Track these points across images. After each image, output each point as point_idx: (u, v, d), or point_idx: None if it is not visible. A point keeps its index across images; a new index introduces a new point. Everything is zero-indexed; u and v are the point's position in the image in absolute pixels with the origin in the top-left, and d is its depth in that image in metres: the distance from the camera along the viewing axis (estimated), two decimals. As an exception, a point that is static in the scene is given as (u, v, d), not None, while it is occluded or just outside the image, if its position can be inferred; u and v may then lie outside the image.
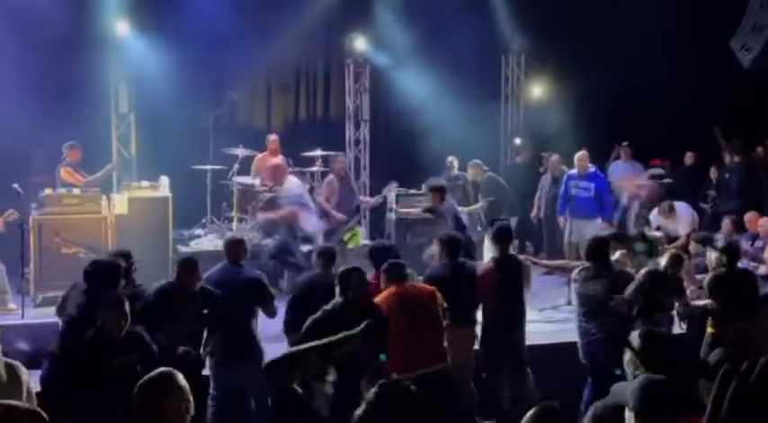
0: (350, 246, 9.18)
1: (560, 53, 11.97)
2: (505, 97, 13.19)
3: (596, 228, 9.16)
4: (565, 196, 9.90)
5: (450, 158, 10.70)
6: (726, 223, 9.19)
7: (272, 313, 5.97)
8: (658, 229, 9.20)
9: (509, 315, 6.28)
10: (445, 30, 11.30)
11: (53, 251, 8.22)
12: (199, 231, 10.31)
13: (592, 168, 9.90)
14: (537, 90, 13.07)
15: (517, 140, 12.26)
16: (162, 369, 3.12)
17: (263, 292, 5.95)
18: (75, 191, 8.79)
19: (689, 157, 11.74)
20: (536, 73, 13.06)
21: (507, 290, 6.27)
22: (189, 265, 5.60)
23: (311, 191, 10.49)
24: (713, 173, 11.22)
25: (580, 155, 9.88)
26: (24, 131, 9.11)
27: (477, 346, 6.25)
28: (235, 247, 6.06)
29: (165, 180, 9.33)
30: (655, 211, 9.45)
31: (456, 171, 10.62)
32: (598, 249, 6.25)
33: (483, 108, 11.95)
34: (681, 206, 9.52)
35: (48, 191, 8.63)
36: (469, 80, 11.80)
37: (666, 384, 3.13)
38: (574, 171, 9.93)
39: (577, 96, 11.99)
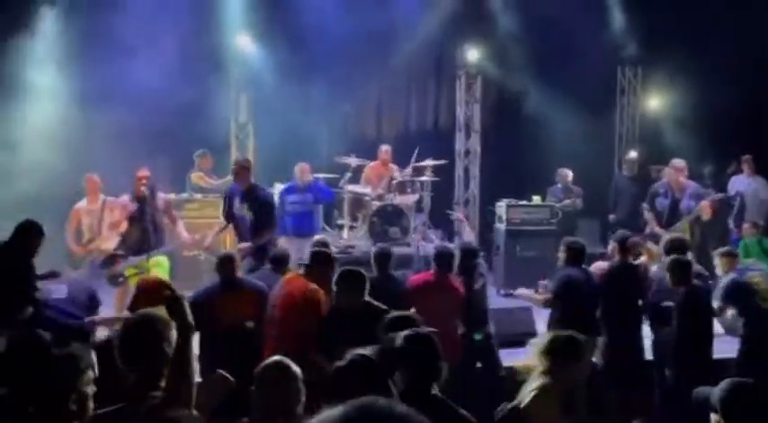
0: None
1: (678, 64, 11.62)
2: (621, 108, 12.91)
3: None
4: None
5: (564, 171, 10.55)
6: None
7: None
8: None
9: (623, 320, 6.24)
10: (559, 40, 11.17)
11: (174, 253, 8.62)
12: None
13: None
14: (653, 102, 12.73)
15: (632, 153, 11.97)
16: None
17: None
18: (197, 196, 9.24)
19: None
20: (652, 84, 12.71)
21: (620, 296, 6.29)
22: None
23: (421, 200, 10.62)
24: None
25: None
26: (150, 142, 9.66)
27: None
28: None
29: (279, 187, 9.66)
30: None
31: (570, 184, 10.48)
32: None
33: (596, 119, 11.76)
34: None
35: (171, 195, 9.09)
36: (583, 91, 11.61)
37: (753, 389, 3.08)
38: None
39: (695, 108, 11.60)
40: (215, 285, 5.82)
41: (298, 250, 7.76)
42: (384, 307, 5.15)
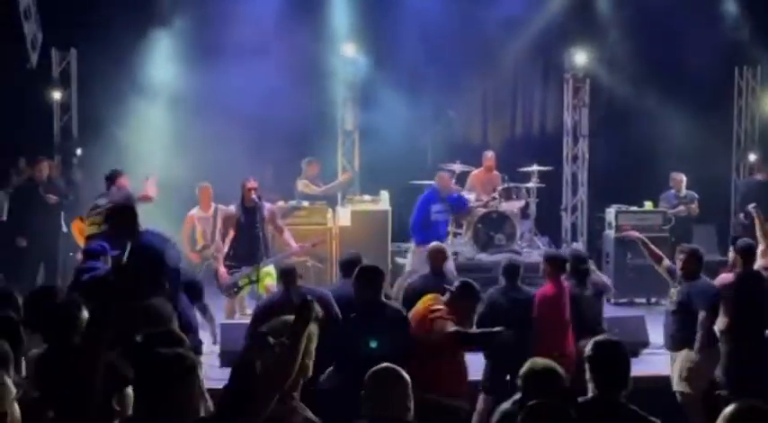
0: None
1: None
2: (738, 110, 12.33)
3: None
4: None
5: (678, 176, 10.14)
6: None
7: None
8: None
9: (749, 332, 5.98)
10: (671, 42, 10.79)
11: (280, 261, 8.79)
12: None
13: None
14: (775, 102, 12.08)
15: (752, 156, 11.40)
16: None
17: None
18: (305, 203, 9.45)
19: None
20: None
21: (747, 305, 6.00)
22: None
23: (527, 207, 10.43)
24: None
25: None
26: (257, 148, 9.91)
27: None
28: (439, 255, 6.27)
29: (385, 194, 9.76)
30: None
31: (684, 189, 10.06)
32: None
33: (711, 122, 11.27)
34: None
35: (280, 203, 9.31)
36: (696, 92, 11.16)
37: None
38: None
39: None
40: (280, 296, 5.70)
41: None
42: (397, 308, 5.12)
